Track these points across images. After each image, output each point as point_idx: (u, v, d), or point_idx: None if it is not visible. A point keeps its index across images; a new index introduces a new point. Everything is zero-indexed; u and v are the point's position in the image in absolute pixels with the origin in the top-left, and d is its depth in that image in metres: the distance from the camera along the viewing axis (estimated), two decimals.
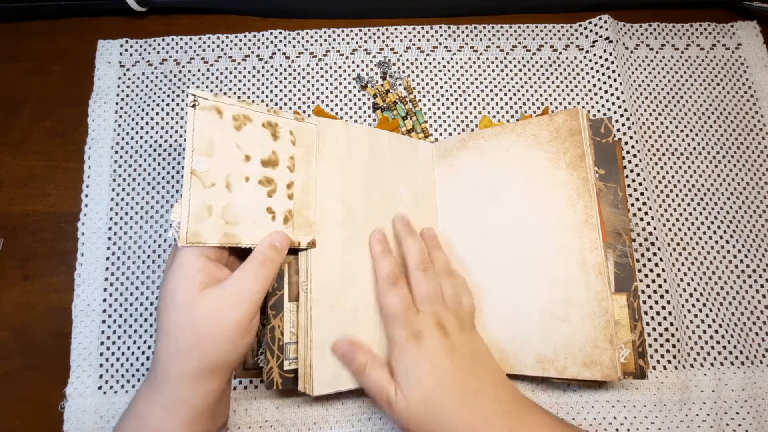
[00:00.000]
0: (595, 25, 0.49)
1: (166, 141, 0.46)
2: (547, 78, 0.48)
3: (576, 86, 0.48)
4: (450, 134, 0.47)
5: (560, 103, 0.47)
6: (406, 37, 0.49)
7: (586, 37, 0.49)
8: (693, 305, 0.42)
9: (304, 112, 0.47)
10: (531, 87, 0.48)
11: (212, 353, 0.29)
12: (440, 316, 0.34)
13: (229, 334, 0.29)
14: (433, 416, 0.31)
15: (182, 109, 0.47)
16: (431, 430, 0.31)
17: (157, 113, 0.47)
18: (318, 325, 0.35)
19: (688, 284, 0.43)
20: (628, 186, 0.44)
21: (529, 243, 0.38)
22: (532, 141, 0.39)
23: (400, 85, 0.48)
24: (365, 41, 0.49)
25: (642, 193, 0.44)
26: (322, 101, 0.47)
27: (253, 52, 0.49)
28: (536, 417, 0.33)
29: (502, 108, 0.47)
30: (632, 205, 0.43)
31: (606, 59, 0.48)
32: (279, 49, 0.49)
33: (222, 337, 0.29)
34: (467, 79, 0.48)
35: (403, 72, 0.48)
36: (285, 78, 0.48)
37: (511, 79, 0.48)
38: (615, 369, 0.34)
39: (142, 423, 0.29)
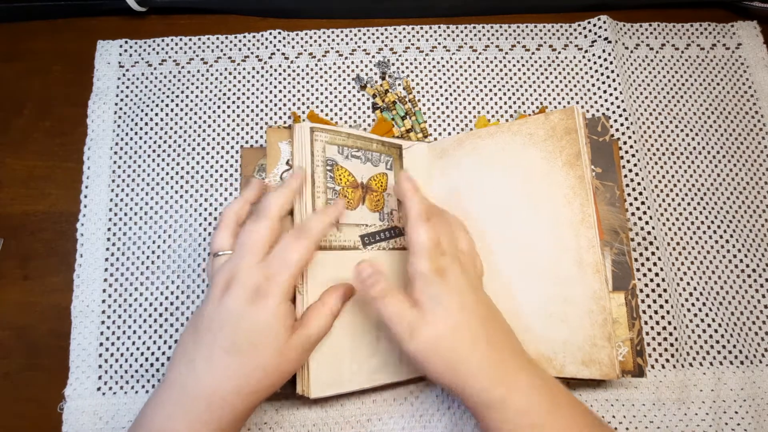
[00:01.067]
0: (594, 25, 0.49)
1: (165, 141, 0.46)
2: (546, 78, 0.48)
3: (575, 86, 0.48)
4: (449, 134, 0.47)
5: (559, 103, 0.47)
6: (405, 37, 0.49)
7: (585, 36, 0.49)
8: (692, 304, 0.42)
9: (303, 113, 0.47)
10: (530, 86, 0.48)
11: (273, 391, 0.31)
12: (462, 262, 0.33)
13: (288, 377, 0.31)
14: (458, 351, 0.29)
15: (181, 110, 0.47)
16: (451, 364, 0.29)
17: (156, 114, 0.47)
18: None
19: (688, 283, 0.43)
20: (627, 186, 0.44)
21: (525, 242, 0.38)
22: (528, 140, 0.39)
23: (399, 85, 0.48)
24: (364, 41, 0.49)
25: (641, 193, 0.44)
26: (321, 101, 0.47)
27: (252, 53, 0.49)
28: (552, 381, 0.32)
29: (501, 107, 0.47)
30: (631, 204, 0.43)
31: (605, 59, 0.48)
32: (278, 50, 0.49)
33: (288, 378, 0.31)
34: (466, 78, 0.48)
35: (402, 72, 0.48)
36: (284, 78, 0.48)
37: (510, 78, 0.48)
38: (614, 367, 0.34)
39: None
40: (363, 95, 0.48)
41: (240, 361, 0.29)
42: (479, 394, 0.29)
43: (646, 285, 0.42)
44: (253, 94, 0.47)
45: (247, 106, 0.47)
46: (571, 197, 0.37)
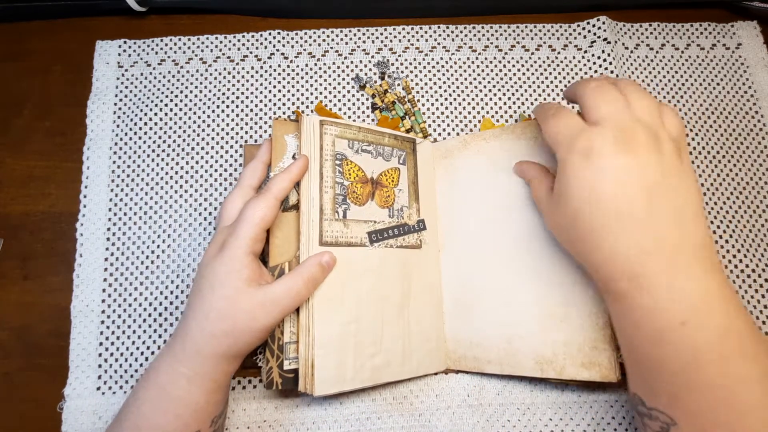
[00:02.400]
0: (593, 26, 0.49)
1: (164, 141, 0.46)
2: (546, 78, 0.48)
3: None
4: (449, 134, 0.46)
5: (559, 103, 0.47)
6: (404, 37, 0.49)
7: (585, 37, 0.49)
8: None
9: (303, 112, 0.47)
10: (530, 87, 0.48)
11: (240, 344, 0.33)
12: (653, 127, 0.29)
13: (257, 333, 0.33)
14: (583, 219, 0.29)
15: (180, 109, 0.47)
16: (570, 236, 0.31)
17: (156, 114, 0.47)
18: (320, 324, 0.35)
19: None
20: None
21: (528, 244, 0.38)
22: (533, 143, 0.39)
23: (398, 85, 0.48)
24: (364, 41, 0.49)
25: None
26: (321, 101, 0.47)
27: (251, 53, 0.49)
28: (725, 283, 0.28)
29: (500, 108, 0.47)
30: None
31: (604, 60, 0.48)
32: (277, 50, 0.49)
33: (252, 333, 0.33)
34: (466, 79, 0.48)
35: (402, 72, 0.48)
36: (284, 78, 0.48)
37: (510, 78, 0.48)
38: (613, 370, 0.34)
39: (164, 392, 0.32)
40: (362, 95, 0.48)
41: (200, 301, 0.33)
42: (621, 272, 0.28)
43: None
44: (252, 93, 0.47)
45: (246, 106, 0.47)
46: None
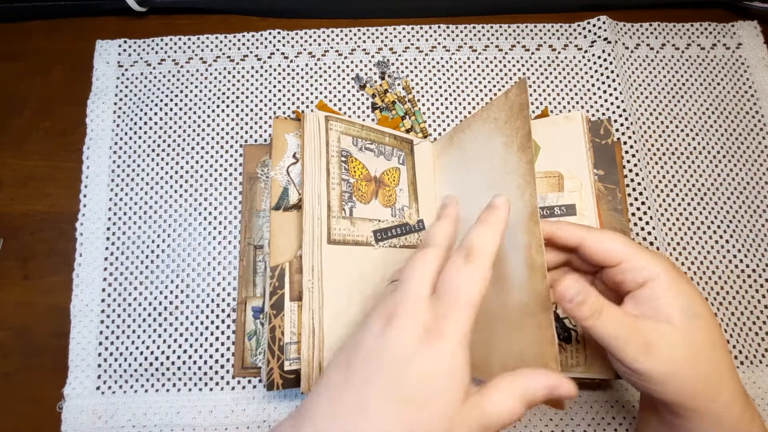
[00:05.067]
0: (594, 25, 0.49)
1: (164, 141, 0.46)
2: (546, 78, 0.48)
3: (575, 86, 0.48)
4: None
5: (559, 103, 0.47)
6: (404, 36, 0.49)
7: (585, 37, 0.49)
8: None
9: (303, 112, 0.47)
10: (530, 86, 0.48)
11: None
12: None
13: None
14: (708, 368, 0.26)
15: (180, 109, 0.47)
16: (706, 379, 0.27)
17: (156, 113, 0.47)
18: (328, 327, 0.34)
19: None
20: (627, 186, 0.44)
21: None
22: (494, 125, 0.35)
23: (398, 84, 0.48)
24: (364, 41, 0.49)
25: (641, 193, 0.43)
26: (322, 100, 0.47)
27: (251, 52, 0.49)
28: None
29: None
30: (631, 204, 0.43)
31: (605, 59, 0.48)
32: (277, 49, 0.49)
33: None
34: (466, 78, 0.48)
35: (402, 72, 0.48)
36: (284, 78, 0.48)
37: (510, 78, 0.48)
38: (612, 367, 0.34)
39: None
40: (362, 95, 0.48)
41: (408, 413, 0.22)
42: (726, 419, 0.27)
43: None
44: (252, 93, 0.47)
45: (246, 106, 0.47)
46: (523, 187, 0.31)
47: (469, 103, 0.47)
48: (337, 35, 0.49)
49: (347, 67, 0.48)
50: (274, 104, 0.47)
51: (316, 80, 0.48)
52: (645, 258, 0.28)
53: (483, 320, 0.29)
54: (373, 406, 0.22)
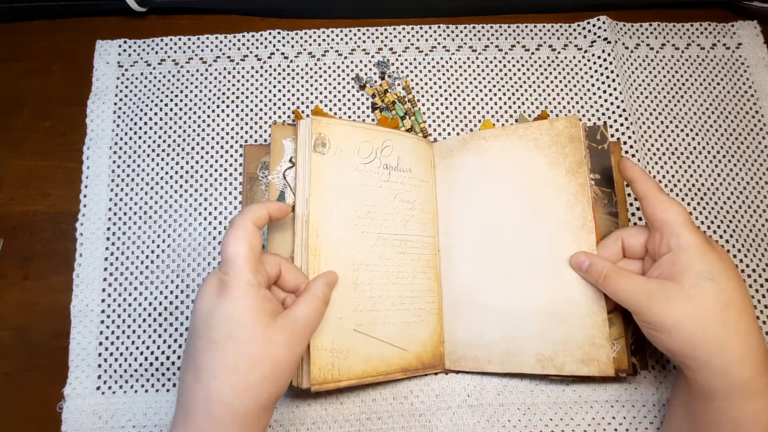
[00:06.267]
0: (594, 25, 0.49)
1: (164, 141, 0.46)
2: (546, 78, 0.48)
3: (575, 86, 0.48)
4: (449, 134, 0.46)
5: (559, 103, 0.47)
6: (404, 37, 0.49)
7: (585, 37, 0.49)
8: None
9: (302, 112, 0.47)
10: (530, 87, 0.48)
11: (281, 384, 0.30)
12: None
13: (295, 365, 0.30)
14: (713, 325, 0.30)
15: (180, 109, 0.47)
16: (696, 339, 0.30)
17: (156, 113, 0.47)
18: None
19: None
20: (627, 186, 0.44)
21: (528, 244, 0.38)
22: (533, 145, 0.40)
23: (398, 84, 0.48)
24: (364, 41, 0.49)
25: None
26: (321, 101, 0.47)
27: (251, 52, 0.49)
28: None
29: (500, 108, 0.47)
30: (631, 204, 0.43)
31: (604, 59, 0.48)
32: (277, 49, 0.49)
33: (291, 367, 0.30)
34: (466, 78, 0.48)
35: (402, 72, 0.48)
36: (284, 78, 0.48)
37: (510, 78, 0.48)
38: (611, 365, 0.35)
39: None
40: (362, 95, 0.48)
41: (221, 354, 0.28)
42: (734, 377, 0.29)
43: None
44: (252, 93, 0.47)
45: (246, 106, 0.47)
46: (573, 203, 0.38)
47: (469, 104, 0.47)
48: (337, 35, 0.49)
49: (347, 67, 0.48)
50: (274, 104, 0.47)
51: (315, 80, 0.48)
52: (679, 229, 0.32)
53: None
54: (199, 361, 0.28)
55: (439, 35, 0.49)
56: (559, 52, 0.49)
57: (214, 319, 0.28)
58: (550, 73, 0.48)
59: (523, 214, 0.39)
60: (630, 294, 0.32)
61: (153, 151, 0.46)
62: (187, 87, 0.47)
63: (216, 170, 0.45)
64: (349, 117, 0.47)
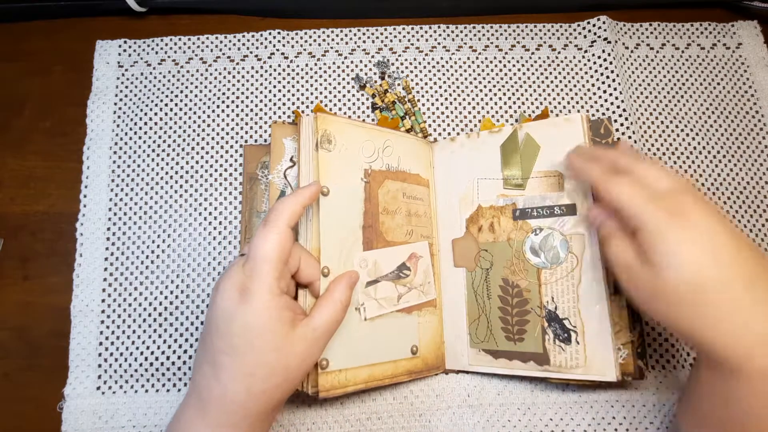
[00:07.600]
0: (594, 25, 0.49)
1: (164, 141, 0.46)
2: (546, 78, 0.48)
3: (575, 86, 0.48)
4: (449, 134, 0.46)
5: (559, 103, 0.47)
6: (404, 37, 0.49)
7: (585, 37, 0.49)
8: None
9: (303, 111, 0.47)
10: (530, 87, 0.48)
11: (292, 387, 0.31)
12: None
13: (308, 369, 0.31)
14: (710, 303, 0.27)
15: (180, 109, 0.47)
16: (700, 317, 0.27)
17: (156, 113, 0.47)
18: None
19: None
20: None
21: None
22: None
23: (398, 84, 0.48)
24: (364, 41, 0.49)
25: None
26: (321, 101, 0.47)
27: (251, 52, 0.49)
28: None
29: (501, 108, 0.47)
30: None
31: (605, 59, 0.48)
32: (277, 49, 0.49)
33: (304, 372, 0.31)
34: (466, 78, 0.48)
35: (402, 72, 0.48)
36: (284, 78, 0.48)
37: (510, 78, 0.48)
38: (613, 370, 0.34)
39: None
40: (362, 95, 0.48)
41: (240, 360, 0.29)
42: (732, 354, 0.27)
43: None
44: (252, 93, 0.47)
45: (246, 106, 0.47)
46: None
47: (469, 104, 0.47)
48: (337, 35, 0.49)
49: (347, 67, 0.48)
50: (274, 104, 0.47)
51: (316, 80, 0.48)
52: (630, 211, 0.29)
53: None
54: (218, 362, 0.29)
55: (439, 35, 0.49)
56: (559, 52, 0.49)
57: (234, 325, 0.29)
58: (550, 73, 0.48)
59: None
60: (616, 266, 0.31)
61: (153, 151, 0.46)
62: (187, 87, 0.47)
63: (216, 170, 0.45)
64: (350, 117, 0.47)
